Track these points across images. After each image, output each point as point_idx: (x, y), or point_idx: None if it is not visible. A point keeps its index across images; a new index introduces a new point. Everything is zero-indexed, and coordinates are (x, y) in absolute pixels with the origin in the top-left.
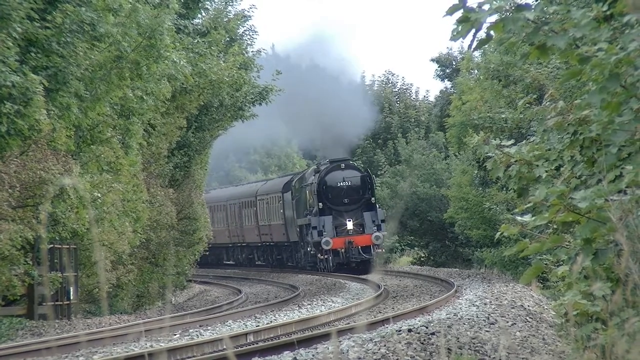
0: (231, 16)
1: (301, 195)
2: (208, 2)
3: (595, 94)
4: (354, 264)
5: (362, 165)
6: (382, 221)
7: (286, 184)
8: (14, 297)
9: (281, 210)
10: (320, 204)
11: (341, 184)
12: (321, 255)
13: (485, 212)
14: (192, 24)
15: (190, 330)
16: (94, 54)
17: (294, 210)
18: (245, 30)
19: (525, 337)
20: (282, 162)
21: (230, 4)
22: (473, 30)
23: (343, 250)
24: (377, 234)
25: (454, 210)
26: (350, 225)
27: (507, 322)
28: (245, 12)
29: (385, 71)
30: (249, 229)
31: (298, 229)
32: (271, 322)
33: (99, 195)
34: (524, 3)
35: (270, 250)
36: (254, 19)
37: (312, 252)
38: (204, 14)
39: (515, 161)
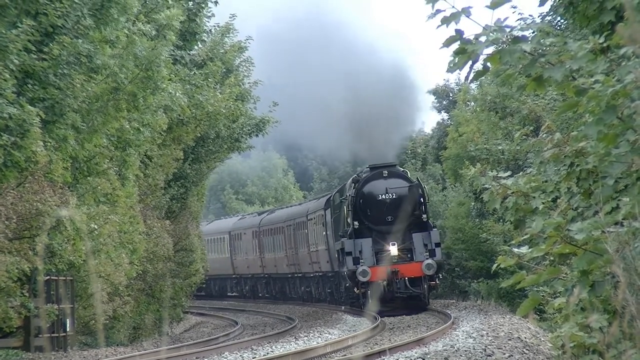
0: (227, 47)
1: (340, 212)
2: (205, 35)
3: (592, 126)
4: (400, 300)
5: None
6: (437, 245)
7: (328, 199)
8: (10, 329)
9: (324, 233)
10: (357, 222)
11: (383, 196)
12: (357, 289)
13: (482, 244)
14: (189, 54)
15: None
16: (90, 86)
17: (332, 232)
18: (241, 62)
19: None
20: (279, 193)
21: (227, 35)
22: (470, 62)
23: (385, 282)
24: (429, 261)
25: (451, 241)
26: (394, 250)
27: (504, 354)
28: (242, 44)
29: None
30: (303, 256)
31: (336, 255)
32: (268, 353)
33: (96, 227)
34: (520, 35)
35: (323, 282)
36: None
37: (347, 285)
38: (200, 45)
39: (512, 193)
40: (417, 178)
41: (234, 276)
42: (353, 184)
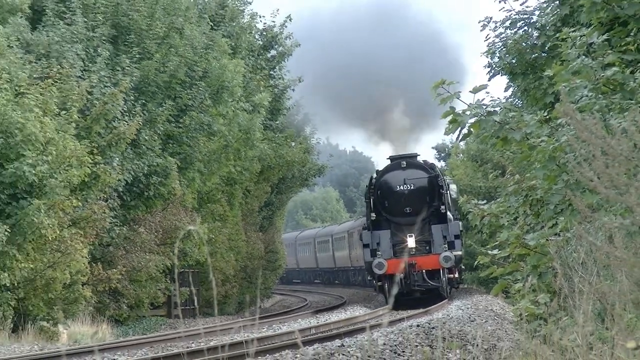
0: (300, 118)
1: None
2: (285, 110)
3: (540, 170)
4: (418, 294)
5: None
6: (457, 236)
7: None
8: (158, 303)
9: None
10: (374, 214)
11: (401, 187)
12: (375, 282)
13: (468, 248)
14: (275, 123)
15: (274, 325)
16: (210, 144)
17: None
18: (310, 131)
19: (494, 330)
20: (334, 215)
21: (296, 113)
22: (459, 128)
23: (402, 275)
24: (447, 253)
25: None
26: (412, 242)
27: (482, 320)
28: (309, 117)
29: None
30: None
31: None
32: (326, 320)
33: (213, 237)
34: (492, 110)
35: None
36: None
37: (369, 278)
38: (282, 118)
39: (487, 214)
40: (438, 169)
41: (351, 268)
42: (374, 176)
